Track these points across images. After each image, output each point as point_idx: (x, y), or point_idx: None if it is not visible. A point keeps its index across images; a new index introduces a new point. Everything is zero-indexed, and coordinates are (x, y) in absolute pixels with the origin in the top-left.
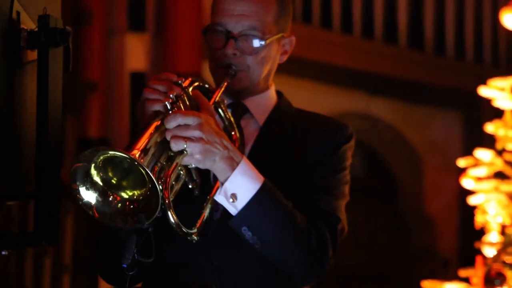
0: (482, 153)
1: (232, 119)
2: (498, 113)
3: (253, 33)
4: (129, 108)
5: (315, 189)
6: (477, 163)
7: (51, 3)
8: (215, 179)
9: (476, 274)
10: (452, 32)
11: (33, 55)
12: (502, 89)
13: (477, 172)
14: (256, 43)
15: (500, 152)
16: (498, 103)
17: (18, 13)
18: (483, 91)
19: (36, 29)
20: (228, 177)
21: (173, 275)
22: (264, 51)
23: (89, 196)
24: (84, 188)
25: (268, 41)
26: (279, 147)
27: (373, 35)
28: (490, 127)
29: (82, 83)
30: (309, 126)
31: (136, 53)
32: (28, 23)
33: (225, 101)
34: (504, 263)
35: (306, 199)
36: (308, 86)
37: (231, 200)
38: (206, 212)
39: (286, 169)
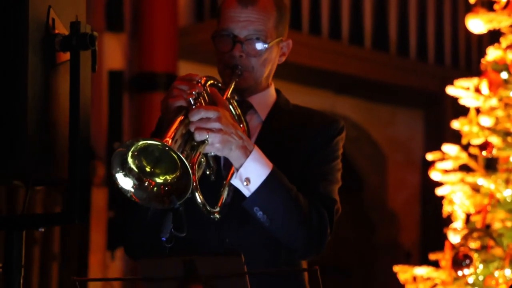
0: (449, 148)
1: (240, 113)
2: (458, 111)
3: (256, 37)
4: (107, 105)
5: (313, 176)
6: (443, 157)
7: (80, 11)
8: (225, 167)
9: (445, 257)
10: (415, 35)
11: (65, 56)
12: (467, 89)
13: (444, 165)
14: (260, 46)
15: (465, 147)
16: (463, 101)
17: (53, 20)
18: (450, 90)
19: (69, 34)
20: (243, 163)
21: (192, 252)
22: (266, 54)
23: (126, 182)
24: (121, 174)
25: (270, 45)
26: (280, 139)
27: (340, 37)
28: (456, 124)
29: None
30: (305, 120)
31: (113, 52)
32: (60, 28)
33: (236, 97)
34: (468, 247)
35: (306, 184)
36: (277, 85)
37: (245, 183)
38: (224, 194)
39: (286, 158)
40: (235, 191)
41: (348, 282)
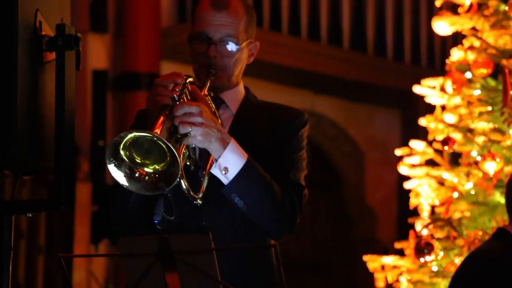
0: (416, 144)
1: (215, 109)
2: (432, 110)
3: (229, 39)
4: (91, 104)
5: (283, 164)
6: (411, 153)
7: (65, 14)
8: (201, 158)
9: (409, 246)
10: (392, 36)
11: (51, 56)
12: (434, 88)
13: (411, 160)
14: (232, 47)
15: (431, 143)
16: (429, 99)
17: (40, 22)
18: (417, 89)
19: (55, 35)
20: (221, 154)
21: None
22: (237, 54)
23: (119, 172)
24: (113, 165)
25: (241, 46)
26: (250, 131)
27: (319, 38)
28: (423, 121)
29: None
30: (273, 114)
31: (97, 52)
32: (47, 30)
33: (212, 94)
34: (432, 236)
35: (277, 172)
36: (258, 85)
37: (223, 172)
38: (205, 182)
39: (257, 149)
40: (211, 179)
41: (327, 276)
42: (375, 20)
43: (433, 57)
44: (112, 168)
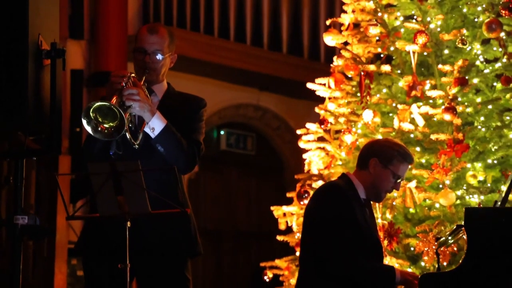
0: (310, 125)
1: (148, 94)
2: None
3: (158, 52)
4: (69, 97)
5: (189, 129)
6: (308, 132)
7: (55, 35)
8: (139, 123)
9: (295, 194)
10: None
11: (48, 62)
12: (324, 85)
13: (307, 137)
14: (159, 57)
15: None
16: (318, 93)
17: (41, 41)
18: (309, 85)
19: (50, 49)
20: (151, 119)
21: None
22: (163, 61)
23: (89, 126)
24: (86, 121)
25: (165, 56)
26: (170, 110)
27: (261, 44)
28: (316, 110)
29: None
30: (184, 99)
31: (75, 55)
32: (45, 46)
33: (146, 85)
34: (309, 186)
35: (185, 133)
36: (211, 83)
37: (152, 130)
38: (140, 136)
39: (174, 120)
40: (145, 138)
41: (269, 245)
42: (310, 30)
43: None
44: (84, 123)
